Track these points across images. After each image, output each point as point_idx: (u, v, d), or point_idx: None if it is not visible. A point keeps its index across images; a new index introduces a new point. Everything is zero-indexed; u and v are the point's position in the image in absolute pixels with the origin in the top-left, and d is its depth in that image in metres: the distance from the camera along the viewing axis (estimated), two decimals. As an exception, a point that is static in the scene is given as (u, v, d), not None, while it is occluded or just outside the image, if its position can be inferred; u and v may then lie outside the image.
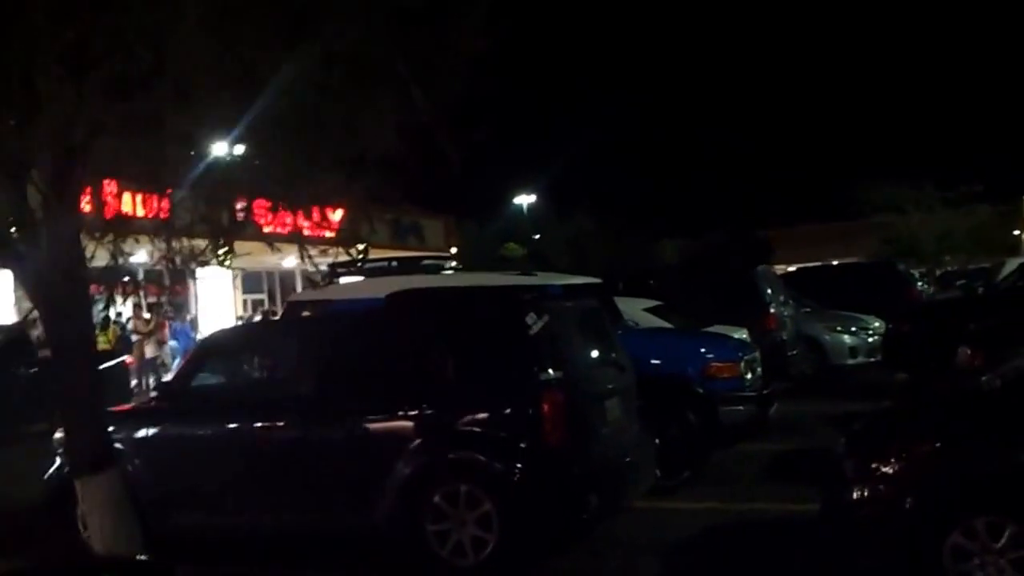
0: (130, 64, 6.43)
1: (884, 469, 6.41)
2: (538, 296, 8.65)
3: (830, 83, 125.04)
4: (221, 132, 7.50)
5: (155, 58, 6.41)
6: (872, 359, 18.37)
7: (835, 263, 38.95)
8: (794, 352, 15.79)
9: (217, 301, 30.87)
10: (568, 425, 7.59)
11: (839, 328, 18.62)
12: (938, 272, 46.41)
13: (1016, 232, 63.87)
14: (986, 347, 10.30)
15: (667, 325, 12.77)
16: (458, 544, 7.58)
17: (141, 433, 8.70)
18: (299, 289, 33.93)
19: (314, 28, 6.58)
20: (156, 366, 26.25)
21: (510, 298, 8.53)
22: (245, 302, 33.64)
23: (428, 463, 7.77)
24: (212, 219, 8.23)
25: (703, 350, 11.08)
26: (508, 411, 7.66)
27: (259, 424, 8.30)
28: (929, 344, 15.03)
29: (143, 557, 6.60)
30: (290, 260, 33.75)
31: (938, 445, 6.46)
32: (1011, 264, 20.81)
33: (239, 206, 8.77)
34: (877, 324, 18.84)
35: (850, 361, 18.38)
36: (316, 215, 9.14)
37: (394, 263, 11.94)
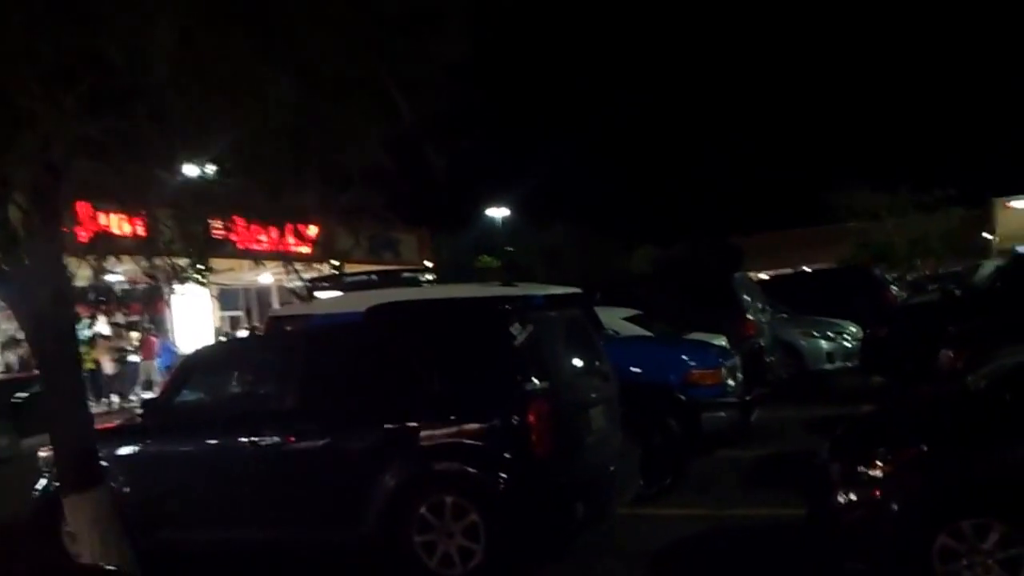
0: (109, 81, 6.40)
1: (871, 472, 6.46)
2: (522, 306, 8.67)
3: (804, 91, 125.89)
4: (201, 149, 7.47)
5: (133, 75, 6.39)
6: (849, 364, 18.46)
7: (807, 269, 39.21)
8: (772, 358, 15.86)
9: (195, 318, 30.77)
10: (554, 435, 7.60)
11: (816, 333, 18.69)
12: (910, 277, 46.70)
13: (986, 235, 64.51)
14: (968, 349, 10.38)
15: (647, 334, 12.81)
16: (445, 555, 7.58)
17: (126, 450, 8.68)
18: (276, 305, 33.86)
19: (294, 43, 6.58)
20: (121, 383, 26.28)
21: (494, 309, 8.54)
22: (223, 319, 33.58)
23: (413, 475, 7.77)
24: (192, 237, 8.22)
25: (684, 357, 11.12)
26: (494, 422, 7.65)
27: (245, 439, 8.27)
28: (907, 348, 15.17)
29: (113, 568, 6.48)
30: (266, 276, 33.66)
31: (924, 448, 6.52)
32: (987, 267, 20.91)
33: (217, 224, 8.74)
34: (854, 329, 18.95)
35: (827, 366, 18.44)
36: (292, 231, 9.10)
37: (373, 277, 11.92)
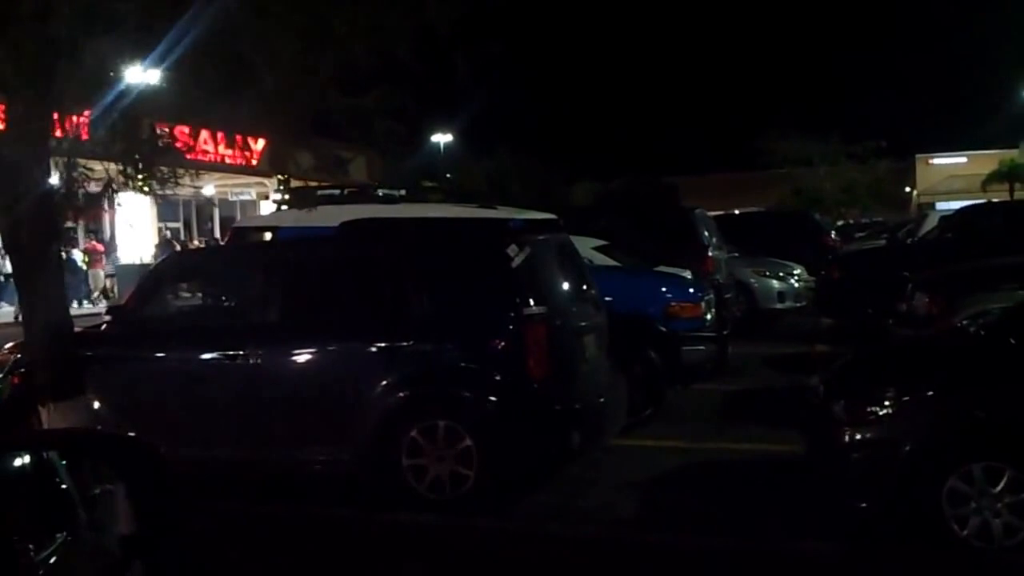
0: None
1: (881, 413, 6.40)
2: (518, 228, 8.42)
3: (745, 36, 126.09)
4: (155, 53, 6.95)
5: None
6: (797, 304, 18.63)
7: (737, 212, 39.53)
8: (729, 295, 15.85)
9: (135, 228, 29.82)
10: (551, 361, 7.43)
11: (767, 273, 18.75)
12: (838, 223, 47.35)
13: (908, 189, 65.93)
14: (943, 295, 10.43)
15: (617, 264, 12.64)
16: (436, 479, 7.38)
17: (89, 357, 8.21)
18: (216, 217, 33.12)
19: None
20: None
21: (492, 230, 8.28)
22: (160, 230, 32.66)
23: (405, 397, 7.53)
24: (149, 143, 7.69)
25: (664, 290, 11.01)
26: (490, 345, 7.46)
27: (223, 353, 7.92)
28: (861, 292, 15.32)
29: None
30: (208, 188, 32.87)
31: (936, 390, 6.46)
32: (932, 218, 21.40)
33: (159, 130, 8.22)
34: (799, 271, 19.10)
35: (778, 305, 18.52)
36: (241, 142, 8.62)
37: (343, 192, 11.50)
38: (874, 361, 7.57)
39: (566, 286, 8.38)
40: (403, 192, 11.37)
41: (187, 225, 35.47)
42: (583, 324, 8.23)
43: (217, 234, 36.43)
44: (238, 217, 36.74)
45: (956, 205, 32.27)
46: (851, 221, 49.69)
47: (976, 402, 6.29)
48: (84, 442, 4.00)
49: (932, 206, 57.62)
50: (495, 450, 7.29)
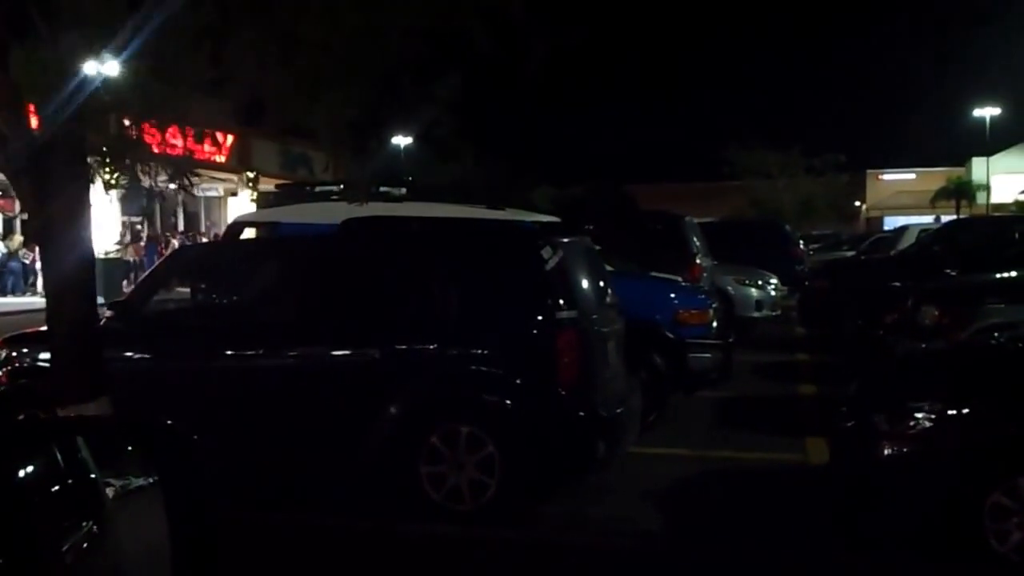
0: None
1: (922, 426, 6.29)
2: (551, 230, 8.24)
3: (711, 49, 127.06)
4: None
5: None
6: (773, 313, 18.67)
7: (698, 220, 39.60)
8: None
9: (99, 220, 29.23)
10: (582, 368, 7.24)
11: (746, 281, 18.75)
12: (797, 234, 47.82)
13: (857, 203, 67.05)
14: (954, 307, 10.42)
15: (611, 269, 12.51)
16: (454, 488, 7.14)
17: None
18: (181, 213, 32.48)
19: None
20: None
21: (525, 232, 8.07)
22: (124, 223, 31.95)
23: (426, 402, 7.33)
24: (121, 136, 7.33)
25: (672, 296, 10.91)
26: (520, 349, 7.24)
27: (232, 352, 7.66)
28: (849, 303, 15.36)
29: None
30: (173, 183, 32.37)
31: (981, 402, 6.38)
32: (911, 233, 21.76)
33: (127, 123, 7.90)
34: (774, 280, 19.13)
35: (755, 314, 18.50)
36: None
37: (341, 188, 11.30)
38: (912, 373, 7.45)
39: (592, 291, 8.19)
40: (404, 191, 11.19)
41: (150, 220, 34.80)
42: (606, 330, 8.05)
43: (181, 227, 35.91)
44: (202, 213, 36.23)
45: (904, 220, 33.15)
46: (812, 232, 50.30)
47: (1021, 415, 6.22)
48: (114, 428, 3.81)
49: (880, 220, 59.07)
50: (520, 458, 7.07)
